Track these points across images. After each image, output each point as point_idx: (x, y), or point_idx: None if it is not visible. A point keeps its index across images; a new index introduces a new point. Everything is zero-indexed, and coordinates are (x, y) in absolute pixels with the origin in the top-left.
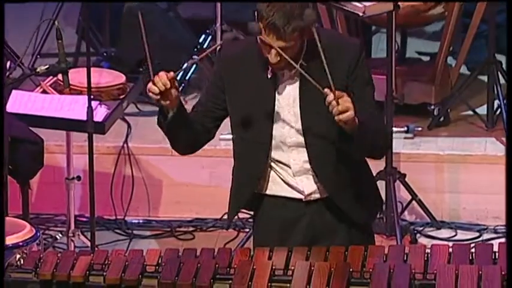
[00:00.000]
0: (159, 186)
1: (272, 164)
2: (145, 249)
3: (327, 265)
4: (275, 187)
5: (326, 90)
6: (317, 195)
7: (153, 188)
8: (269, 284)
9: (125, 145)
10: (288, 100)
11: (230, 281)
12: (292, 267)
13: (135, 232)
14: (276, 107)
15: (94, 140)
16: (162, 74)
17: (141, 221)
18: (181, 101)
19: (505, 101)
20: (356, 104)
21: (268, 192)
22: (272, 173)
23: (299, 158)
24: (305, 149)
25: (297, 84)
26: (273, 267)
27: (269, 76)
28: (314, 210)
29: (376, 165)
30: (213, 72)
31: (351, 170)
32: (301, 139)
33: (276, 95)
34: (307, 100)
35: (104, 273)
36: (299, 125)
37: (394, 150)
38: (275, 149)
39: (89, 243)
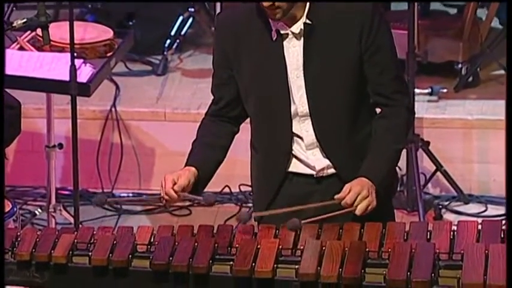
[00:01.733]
0: (151, 156)
1: None
2: (135, 226)
3: (340, 244)
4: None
5: (337, 197)
6: (329, 171)
7: (145, 157)
8: (275, 265)
9: (113, 109)
10: (295, 63)
11: (231, 262)
12: (301, 247)
13: (124, 207)
14: (288, 71)
15: (78, 103)
16: (170, 192)
17: (131, 195)
18: (198, 176)
19: None
20: (372, 80)
21: None
22: None
23: (311, 129)
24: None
25: (301, 43)
26: (280, 247)
27: (274, 38)
28: (326, 187)
29: None
30: (214, 52)
31: (361, 142)
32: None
33: (286, 57)
34: (311, 63)
35: (89, 254)
36: (304, 91)
37: (416, 115)
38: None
39: (72, 220)
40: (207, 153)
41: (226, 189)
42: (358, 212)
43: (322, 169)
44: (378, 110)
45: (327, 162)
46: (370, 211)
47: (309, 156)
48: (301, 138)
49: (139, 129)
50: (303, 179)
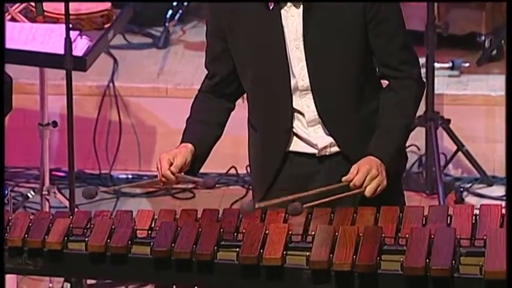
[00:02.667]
0: (152, 135)
1: None
2: (135, 210)
3: (354, 229)
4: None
5: (344, 179)
6: (332, 149)
7: (145, 136)
8: (284, 252)
9: (111, 84)
10: (294, 33)
11: (237, 249)
12: (313, 232)
13: (123, 190)
14: (286, 42)
15: (73, 79)
16: (167, 173)
17: (130, 176)
18: (196, 155)
19: None
20: (378, 51)
21: None
22: None
23: (313, 104)
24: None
25: (300, 11)
26: (290, 232)
27: (271, 7)
28: (329, 167)
29: None
30: (208, 24)
31: (367, 118)
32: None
33: (284, 27)
34: (312, 33)
35: (86, 239)
36: (304, 63)
37: (436, 91)
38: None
39: (67, 203)
40: (203, 129)
41: (233, 171)
42: (367, 193)
43: (325, 147)
44: (385, 84)
45: (330, 139)
46: (380, 192)
47: (310, 134)
48: (302, 114)
49: (139, 106)
50: (305, 158)
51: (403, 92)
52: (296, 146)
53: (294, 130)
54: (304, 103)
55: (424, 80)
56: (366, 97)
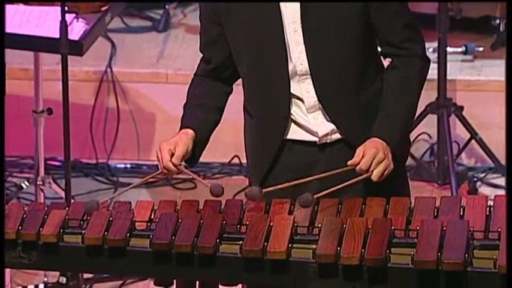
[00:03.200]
0: (151, 122)
1: None
2: (134, 201)
3: (362, 222)
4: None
5: (350, 163)
6: (334, 137)
7: (144, 124)
8: (290, 245)
9: (108, 70)
10: (292, 15)
11: (241, 242)
12: (319, 224)
13: (121, 180)
14: (284, 25)
15: (69, 64)
16: (168, 165)
17: (128, 166)
18: (196, 145)
19: None
20: (381, 29)
21: None
22: None
23: (312, 89)
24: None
25: None
26: (295, 224)
27: None
28: (330, 155)
29: (425, 95)
30: (202, 6)
31: (370, 101)
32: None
33: (281, 9)
34: (311, 14)
35: (82, 232)
36: (303, 47)
37: (448, 77)
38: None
39: (63, 194)
40: (203, 114)
41: (235, 160)
42: (374, 177)
43: (326, 134)
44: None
45: (331, 126)
46: (387, 175)
47: (310, 121)
48: (301, 100)
49: (138, 93)
50: (304, 147)
51: (407, 69)
52: (295, 133)
53: (292, 117)
54: (303, 88)
55: (436, 65)
56: (368, 79)
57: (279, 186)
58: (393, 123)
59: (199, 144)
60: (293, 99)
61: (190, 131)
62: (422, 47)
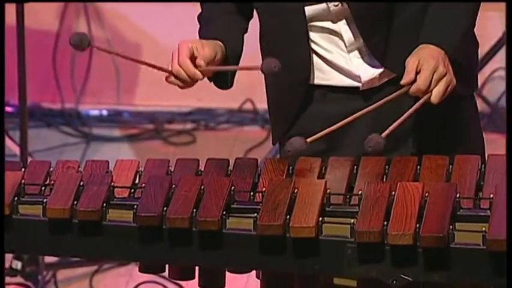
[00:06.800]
0: (135, 54)
1: (313, 45)
2: (112, 160)
3: (417, 188)
4: (320, 74)
5: (404, 82)
6: (380, 82)
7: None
8: (320, 219)
9: None
10: None
11: (255, 215)
12: (360, 192)
13: (94, 131)
14: None
15: None
16: (186, 62)
17: (104, 113)
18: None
19: None
20: None
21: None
22: (314, 57)
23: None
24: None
25: None
26: (328, 191)
27: None
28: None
29: (500, 19)
30: None
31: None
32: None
33: None
34: None
35: (44, 201)
36: None
37: None
38: (317, 17)
39: (17, 150)
40: (231, 21)
41: (248, 105)
42: (434, 98)
43: (371, 80)
44: None
45: (377, 70)
46: (449, 93)
47: (351, 61)
48: (338, 35)
49: (116, 15)
50: (342, 94)
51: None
52: (332, 79)
53: (328, 58)
54: (341, 26)
55: None
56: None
57: (323, 132)
58: (450, 23)
59: (230, 60)
60: (326, 43)
61: (218, 42)
62: None
